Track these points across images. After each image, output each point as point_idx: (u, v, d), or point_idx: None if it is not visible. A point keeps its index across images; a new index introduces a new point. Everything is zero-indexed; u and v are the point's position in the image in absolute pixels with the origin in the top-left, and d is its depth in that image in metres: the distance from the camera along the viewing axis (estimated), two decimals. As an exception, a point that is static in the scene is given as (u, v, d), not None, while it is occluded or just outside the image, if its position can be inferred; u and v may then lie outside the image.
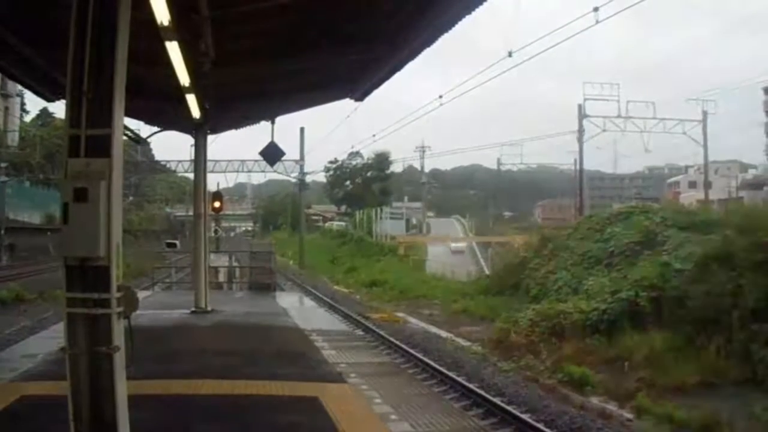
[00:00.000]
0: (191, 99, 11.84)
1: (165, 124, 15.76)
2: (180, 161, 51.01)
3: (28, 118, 59.68)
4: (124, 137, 10.44)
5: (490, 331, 18.64)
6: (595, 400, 12.11)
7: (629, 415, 11.15)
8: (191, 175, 27.40)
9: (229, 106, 14.70)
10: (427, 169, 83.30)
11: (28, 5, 8.22)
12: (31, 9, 8.30)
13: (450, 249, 41.83)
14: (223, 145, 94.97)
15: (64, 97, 4.93)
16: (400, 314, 24.25)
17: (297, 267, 51.56)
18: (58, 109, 38.54)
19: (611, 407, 11.66)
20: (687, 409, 10.90)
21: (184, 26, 7.75)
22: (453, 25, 9.61)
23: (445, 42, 10.26)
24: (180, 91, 10.97)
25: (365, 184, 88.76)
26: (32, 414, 6.75)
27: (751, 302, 13.08)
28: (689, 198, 56.10)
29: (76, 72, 4.71)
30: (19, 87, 39.79)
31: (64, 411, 4.64)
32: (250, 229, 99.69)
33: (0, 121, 50.64)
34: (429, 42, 10.42)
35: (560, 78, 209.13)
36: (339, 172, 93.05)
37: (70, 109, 4.75)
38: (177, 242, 35.12)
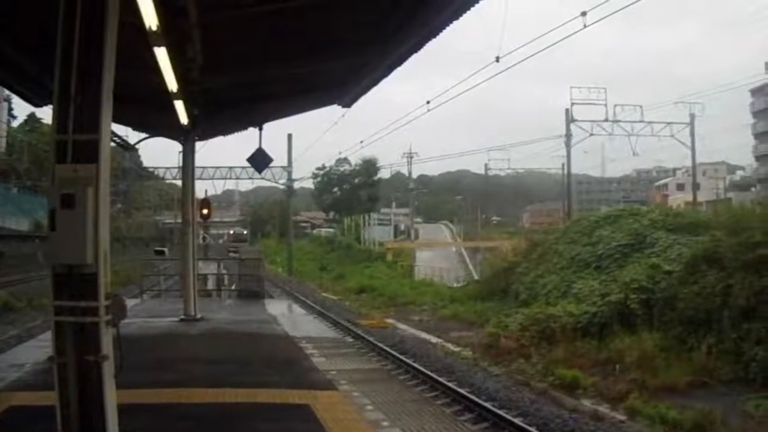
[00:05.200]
0: (179, 105, 11.76)
1: (153, 130, 15.65)
2: (168, 168, 50.80)
3: (15, 124, 59.08)
4: (112, 143, 10.38)
5: (480, 336, 18.63)
6: (587, 403, 12.10)
7: (622, 417, 11.16)
8: (179, 182, 27.29)
9: (218, 113, 14.64)
10: (414, 175, 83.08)
11: (15, 9, 8.13)
12: (18, 13, 8.22)
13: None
14: (211, 151, 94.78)
15: (51, 102, 4.86)
16: (390, 320, 24.19)
17: (286, 274, 51.41)
18: (47, 114, 38.41)
19: (603, 409, 11.66)
20: (679, 409, 10.93)
21: (172, 31, 7.68)
22: (441, 31, 9.63)
23: (432, 47, 10.30)
24: (168, 97, 10.89)
25: (353, 190, 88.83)
26: (20, 424, 6.64)
27: (741, 302, 13.15)
28: (677, 200, 56.60)
29: (64, 77, 4.66)
30: (7, 92, 39.44)
31: (53, 421, 4.58)
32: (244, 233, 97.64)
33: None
34: (417, 48, 10.43)
35: (548, 82, 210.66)
36: (327, 179, 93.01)
37: (57, 114, 4.69)
38: (165, 250, 34.96)
